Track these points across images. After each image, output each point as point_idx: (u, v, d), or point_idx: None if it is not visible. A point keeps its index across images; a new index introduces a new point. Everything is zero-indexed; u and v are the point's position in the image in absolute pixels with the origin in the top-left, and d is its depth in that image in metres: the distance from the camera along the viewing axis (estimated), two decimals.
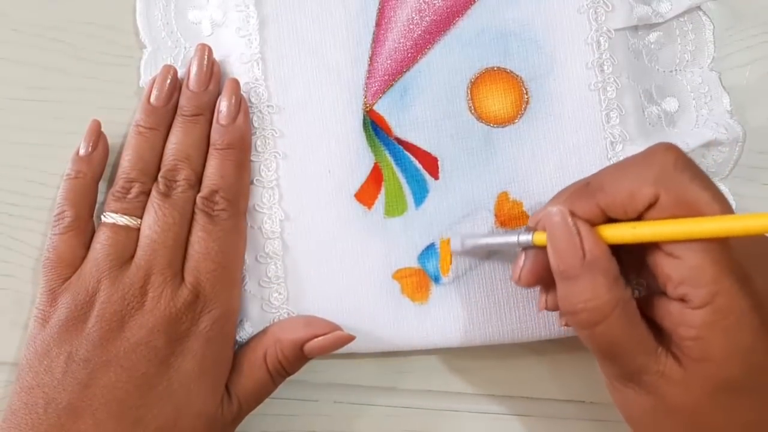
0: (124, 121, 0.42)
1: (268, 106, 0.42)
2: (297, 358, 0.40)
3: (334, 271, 0.41)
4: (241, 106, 0.41)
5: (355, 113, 0.42)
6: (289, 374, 0.40)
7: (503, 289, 0.41)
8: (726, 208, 0.33)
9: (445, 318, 0.41)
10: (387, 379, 0.43)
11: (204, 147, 0.41)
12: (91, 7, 0.44)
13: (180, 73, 0.42)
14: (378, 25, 0.42)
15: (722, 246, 0.33)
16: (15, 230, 0.43)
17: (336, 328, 0.40)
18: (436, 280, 0.42)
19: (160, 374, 0.37)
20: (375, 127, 0.42)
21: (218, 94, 0.41)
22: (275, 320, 0.41)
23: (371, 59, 0.42)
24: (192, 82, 0.41)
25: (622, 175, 0.35)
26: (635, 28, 0.42)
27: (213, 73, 0.41)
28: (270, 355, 0.40)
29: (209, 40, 0.42)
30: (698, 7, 0.43)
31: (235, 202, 0.40)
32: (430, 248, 0.42)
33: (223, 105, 0.40)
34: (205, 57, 0.41)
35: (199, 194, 0.40)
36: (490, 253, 0.41)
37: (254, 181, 0.41)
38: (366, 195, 0.42)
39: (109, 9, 0.44)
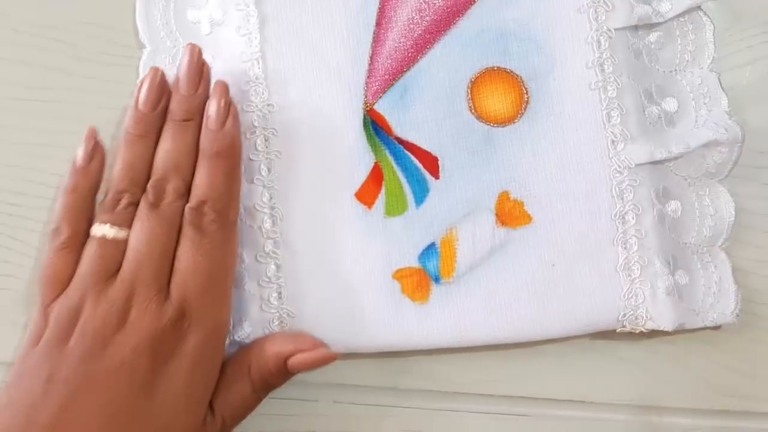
0: (124, 122, 0.42)
1: (267, 105, 0.42)
2: (281, 372, 0.39)
3: (334, 270, 0.41)
4: (230, 109, 0.39)
5: (355, 112, 0.42)
6: (273, 388, 0.40)
7: (503, 290, 0.41)
8: None
9: (445, 318, 0.41)
10: (387, 379, 0.43)
11: (194, 153, 0.39)
12: (91, 7, 0.44)
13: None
14: (378, 24, 0.42)
15: None
16: (15, 230, 0.43)
17: (321, 345, 0.40)
18: (437, 279, 0.41)
19: (143, 395, 0.36)
20: (375, 127, 0.42)
21: None
22: (274, 320, 0.41)
23: (371, 58, 0.42)
24: (181, 84, 0.39)
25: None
26: (635, 28, 0.42)
27: (203, 75, 0.40)
28: (254, 368, 0.39)
29: (208, 39, 0.42)
30: (698, 7, 0.43)
31: (224, 213, 0.38)
32: (431, 248, 0.42)
33: (212, 109, 0.39)
34: (195, 58, 0.39)
35: (188, 205, 0.38)
36: (490, 252, 0.41)
37: (254, 180, 0.41)
38: (366, 194, 0.42)
39: (109, 9, 0.44)
